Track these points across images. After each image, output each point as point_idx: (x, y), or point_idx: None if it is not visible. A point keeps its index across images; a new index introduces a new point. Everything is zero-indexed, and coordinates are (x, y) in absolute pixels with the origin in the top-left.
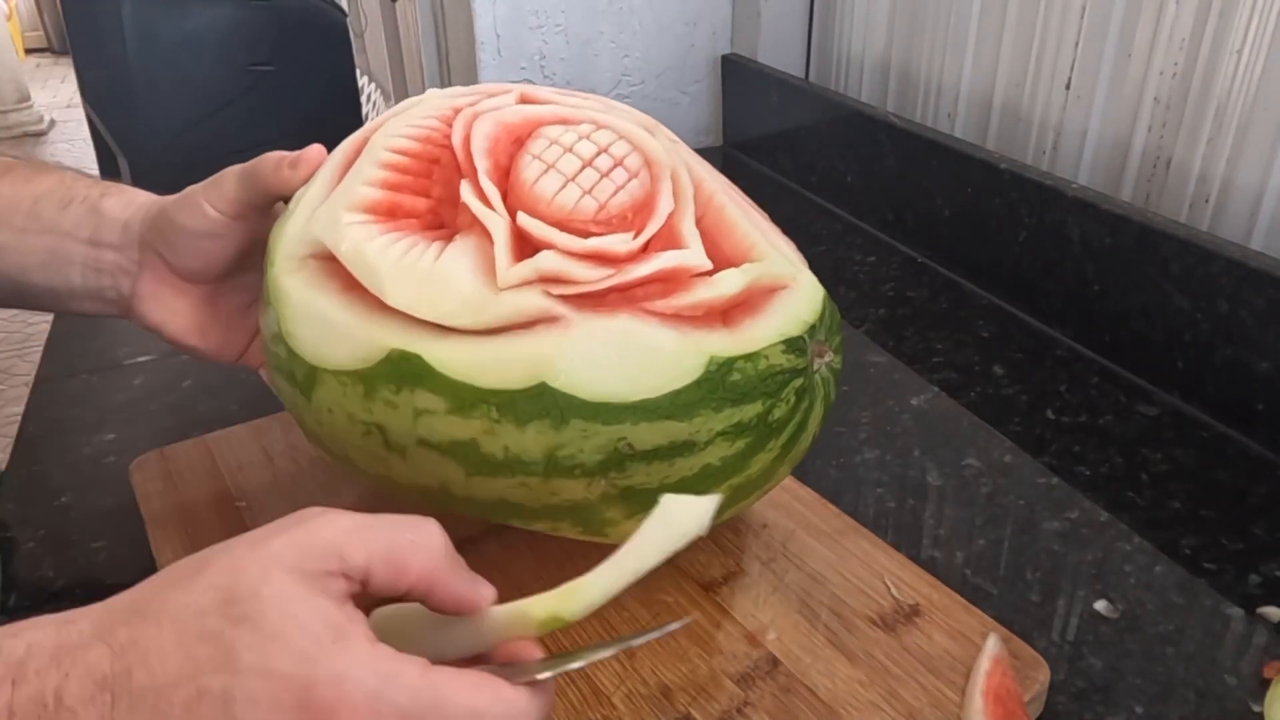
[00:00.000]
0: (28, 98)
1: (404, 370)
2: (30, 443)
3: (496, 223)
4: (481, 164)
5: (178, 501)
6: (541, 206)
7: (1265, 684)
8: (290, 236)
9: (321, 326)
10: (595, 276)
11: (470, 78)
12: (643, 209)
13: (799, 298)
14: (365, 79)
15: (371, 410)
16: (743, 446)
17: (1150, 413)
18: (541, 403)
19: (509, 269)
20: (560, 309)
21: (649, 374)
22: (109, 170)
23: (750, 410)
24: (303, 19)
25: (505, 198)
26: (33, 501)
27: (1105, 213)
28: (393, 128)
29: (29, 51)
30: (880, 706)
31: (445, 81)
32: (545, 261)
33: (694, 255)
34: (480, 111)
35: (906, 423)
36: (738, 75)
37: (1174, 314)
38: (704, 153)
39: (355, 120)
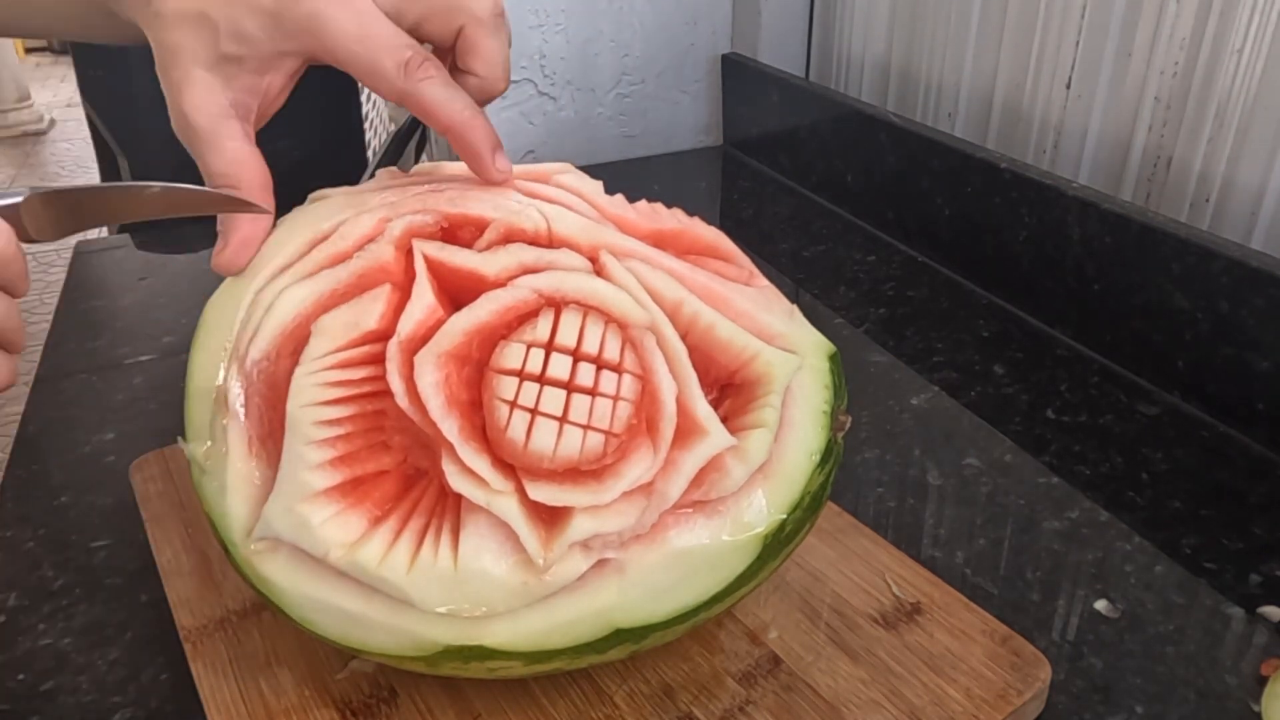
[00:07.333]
0: (28, 97)
1: (468, 653)
2: (30, 443)
3: (507, 507)
4: (449, 426)
5: (178, 501)
6: (545, 464)
7: (1264, 682)
8: (238, 520)
9: (343, 618)
10: (634, 519)
11: None
12: (647, 401)
13: (810, 386)
14: None
15: (436, 668)
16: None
17: (1150, 412)
18: (619, 638)
19: (543, 553)
20: (608, 553)
21: (713, 573)
22: (109, 170)
23: (801, 528)
24: None
25: (493, 460)
26: (32, 501)
27: (1105, 212)
28: (303, 388)
29: (29, 51)
30: (882, 705)
31: None
32: (578, 529)
33: (718, 439)
34: (402, 339)
35: (907, 422)
36: (738, 75)
37: (1174, 314)
38: (704, 152)
39: (355, 119)
